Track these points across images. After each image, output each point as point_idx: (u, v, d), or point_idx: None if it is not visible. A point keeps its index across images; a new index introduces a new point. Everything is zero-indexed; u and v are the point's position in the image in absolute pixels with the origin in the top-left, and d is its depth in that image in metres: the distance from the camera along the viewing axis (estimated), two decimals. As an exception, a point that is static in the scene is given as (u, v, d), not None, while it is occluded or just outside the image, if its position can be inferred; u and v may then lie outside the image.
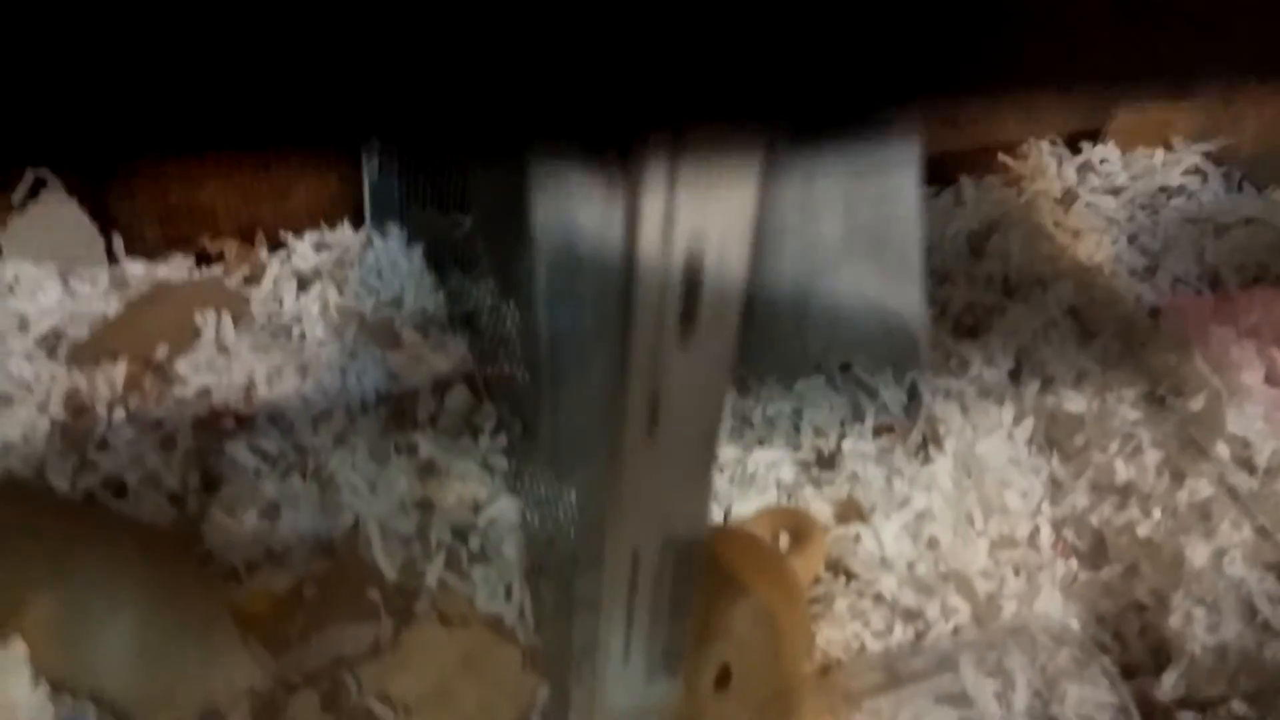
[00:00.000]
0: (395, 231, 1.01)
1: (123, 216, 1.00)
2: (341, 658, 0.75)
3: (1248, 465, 0.88)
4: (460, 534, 0.81)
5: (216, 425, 0.86)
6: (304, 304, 0.97)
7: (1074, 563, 0.86)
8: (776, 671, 0.63)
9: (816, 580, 0.82)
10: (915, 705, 0.77)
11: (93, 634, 0.69)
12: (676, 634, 0.39)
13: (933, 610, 0.81)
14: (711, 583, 0.65)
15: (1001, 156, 1.18)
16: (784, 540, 0.82)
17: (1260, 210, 1.15)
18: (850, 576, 0.83)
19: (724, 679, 0.63)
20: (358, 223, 1.04)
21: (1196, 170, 1.20)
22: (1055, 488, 0.90)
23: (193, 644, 0.70)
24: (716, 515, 0.84)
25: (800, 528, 0.82)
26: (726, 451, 0.89)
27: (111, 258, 1.00)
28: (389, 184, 1.00)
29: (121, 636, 0.69)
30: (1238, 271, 1.09)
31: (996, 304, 1.02)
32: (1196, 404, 0.90)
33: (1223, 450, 0.88)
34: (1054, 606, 0.83)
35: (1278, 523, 0.85)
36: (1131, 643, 0.81)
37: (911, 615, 0.81)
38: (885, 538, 0.84)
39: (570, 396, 0.29)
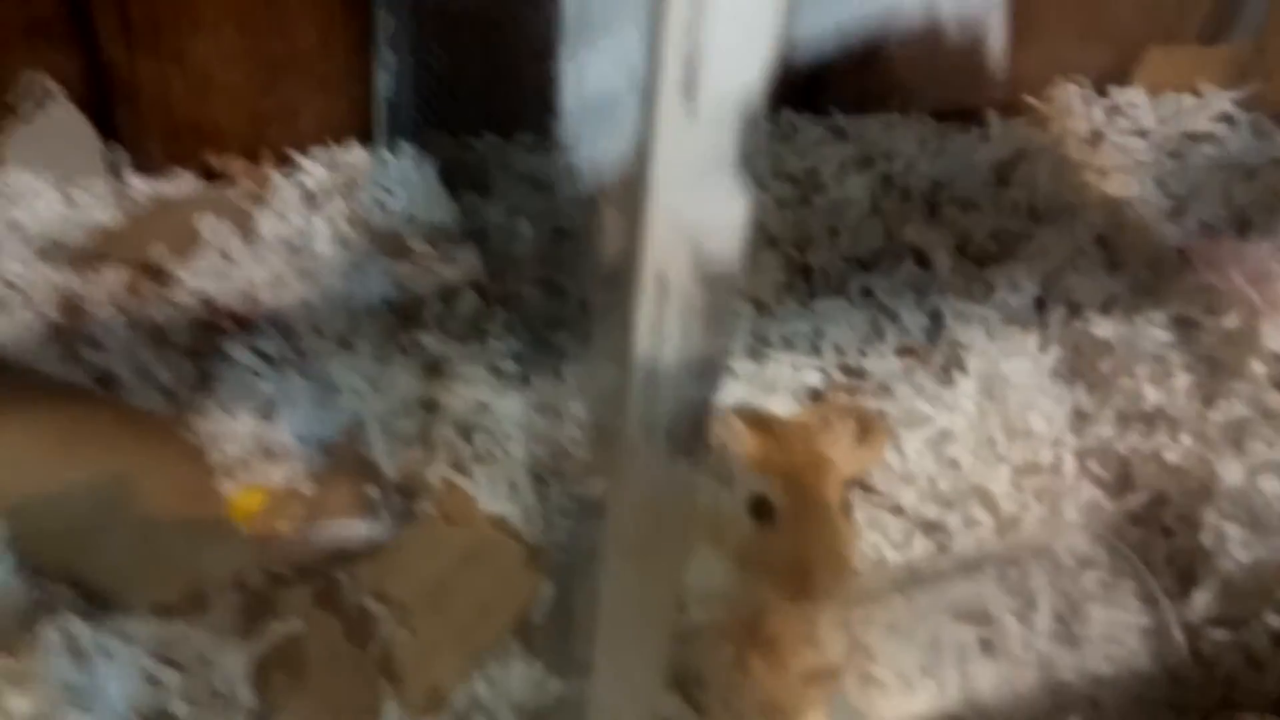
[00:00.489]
0: (406, 149, 0.99)
1: (127, 132, 0.97)
2: (337, 554, 0.72)
3: (1284, 383, 0.85)
4: (465, 433, 0.78)
5: (214, 326, 0.84)
6: (311, 219, 0.94)
7: (1099, 491, 0.83)
8: (820, 517, 0.59)
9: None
10: (933, 620, 0.73)
11: (76, 511, 0.67)
12: (700, 406, 0.36)
13: (954, 521, 0.77)
14: (751, 425, 0.62)
15: (1027, 98, 1.15)
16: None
17: (1291, 152, 1.12)
18: (868, 490, 0.80)
19: (762, 513, 0.60)
20: (366, 143, 1.02)
21: (1225, 117, 1.17)
22: (1080, 418, 0.87)
23: (179, 522, 0.67)
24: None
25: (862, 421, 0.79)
26: (744, 366, 0.86)
27: (115, 173, 0.98)
28: (401, 101, 0.98)
29: (105, 513, 0.66)
30: (1268, 213, 1.06)
31: (1023, 230, 0.99)
32: (1230, 321, 0.86)
33: (1257, 368, 0.84)
34: (1077, 533, 0.79)
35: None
36: (1159, 569, 0.78)
37: (932, 527, 0.78)
38: (907, 451, 0.81)
39: (598, 60, 0.27)
